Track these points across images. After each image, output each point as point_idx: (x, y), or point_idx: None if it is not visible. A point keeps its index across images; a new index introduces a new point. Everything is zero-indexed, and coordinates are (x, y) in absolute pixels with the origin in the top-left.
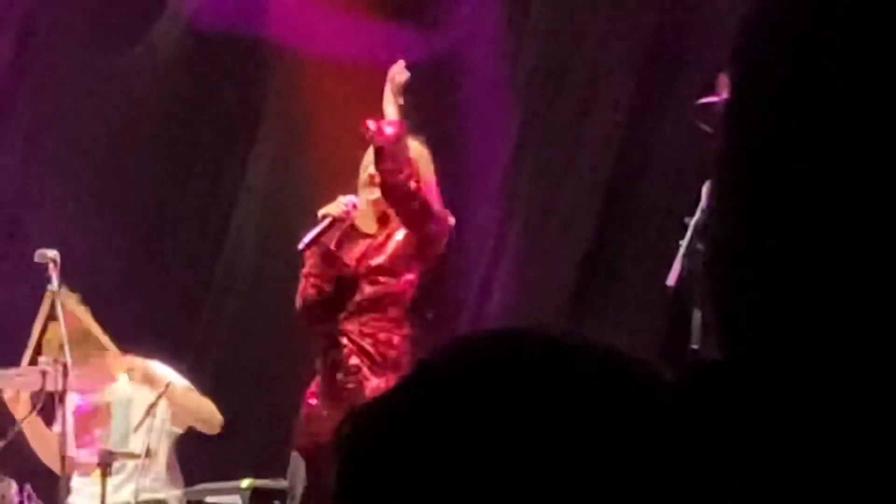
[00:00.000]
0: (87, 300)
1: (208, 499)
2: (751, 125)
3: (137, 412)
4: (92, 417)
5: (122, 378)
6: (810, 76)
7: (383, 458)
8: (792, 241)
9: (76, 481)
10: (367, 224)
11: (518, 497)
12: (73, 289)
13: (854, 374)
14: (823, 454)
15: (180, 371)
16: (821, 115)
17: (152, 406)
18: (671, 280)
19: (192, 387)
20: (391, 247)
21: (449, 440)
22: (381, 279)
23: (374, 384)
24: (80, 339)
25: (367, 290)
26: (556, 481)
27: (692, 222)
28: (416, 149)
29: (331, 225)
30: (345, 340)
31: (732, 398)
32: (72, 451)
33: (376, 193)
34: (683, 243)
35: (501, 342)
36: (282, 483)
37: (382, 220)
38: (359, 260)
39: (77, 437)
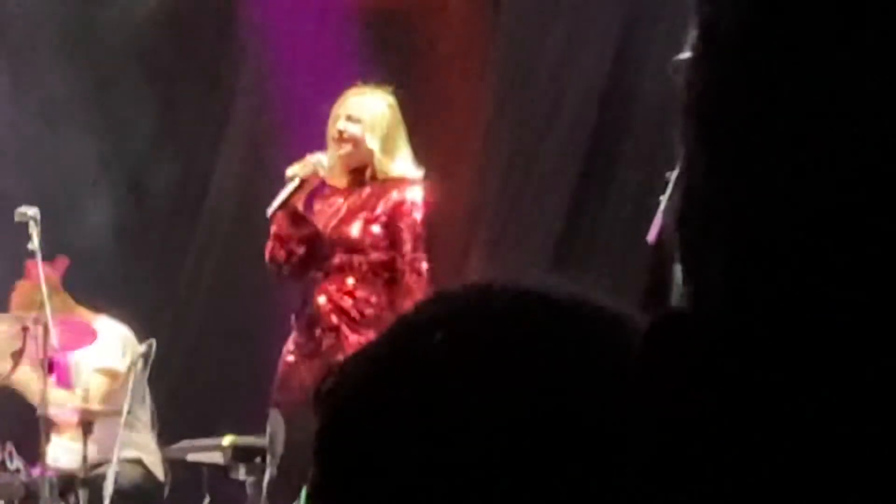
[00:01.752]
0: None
1: (189, 456)
2: (716, 73)
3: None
4: (73, 375)
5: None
6: (777, 19)
7: (365, 414)
8: (761, 194)
9: (54, 440)
10: (338, 179)
11: (496, 450)
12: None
13: (821, 332)
14: (783, 412)
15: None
16: (790, 60)
17: (133, 365)
18: (652, 236)
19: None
20: (375, 226)
21: (429, 395)
22: (359, 251)
23: (353, 341)
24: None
25: (344, 258)
26: (526, 434)
27: (673, 177)
28: (386, 102)
29: (300, 186)
30: (322, 299)
31: (693, 352)
32: (49, 410)
33: (345, 149)
34: (664, 199)
35: (481, 296)
36: (263, 440)
37: (354, 175)
38: (329, 220)
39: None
